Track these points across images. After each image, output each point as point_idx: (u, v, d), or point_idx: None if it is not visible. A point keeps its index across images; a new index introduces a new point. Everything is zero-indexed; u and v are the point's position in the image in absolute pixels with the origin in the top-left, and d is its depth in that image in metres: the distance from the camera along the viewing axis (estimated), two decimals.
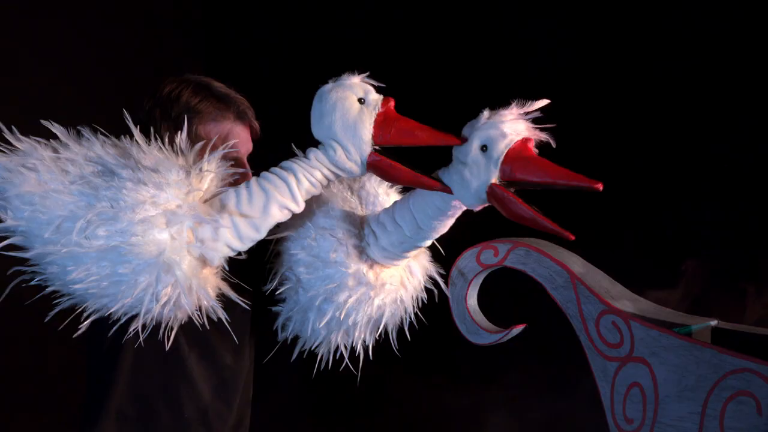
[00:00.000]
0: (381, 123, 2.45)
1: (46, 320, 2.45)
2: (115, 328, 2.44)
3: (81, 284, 2.40)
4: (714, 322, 2.61)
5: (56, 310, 2.44)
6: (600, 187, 2.33)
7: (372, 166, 2.48)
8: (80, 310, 2.44)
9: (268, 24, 4.39)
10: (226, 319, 2.51)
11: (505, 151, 2.42)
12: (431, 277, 2.72)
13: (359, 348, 2.68)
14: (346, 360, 2.69)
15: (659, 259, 3.81)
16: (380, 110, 2.46)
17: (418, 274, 2.70)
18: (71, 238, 2.35)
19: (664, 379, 2.46)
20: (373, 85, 2.50)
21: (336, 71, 2.45)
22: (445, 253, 2.81)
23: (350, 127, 2.45)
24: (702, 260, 3.72)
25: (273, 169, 2.53)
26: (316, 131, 2.49)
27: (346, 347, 2.69)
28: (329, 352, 2.70)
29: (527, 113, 2.47)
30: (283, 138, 2.63)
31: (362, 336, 2.67)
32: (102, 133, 2.47)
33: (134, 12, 4.43)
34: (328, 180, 2.53)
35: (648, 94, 3.90)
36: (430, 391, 4.25)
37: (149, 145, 2.46)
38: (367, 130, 2.45)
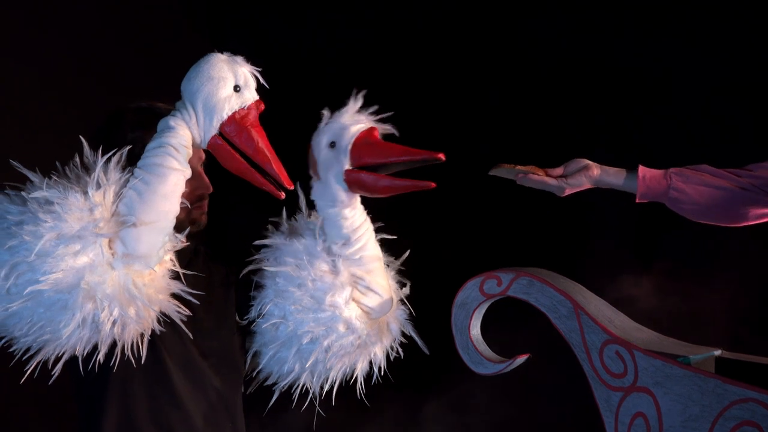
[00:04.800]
0: (237, 118, 2.51)
1: (21, 382, 2.44)
2: (94, 361, 2.45)
3: (29, 336, 2.42)
4: (718, 352, 2.61)
5: (28, 368, 2.44)
6: (441, 156, 2.46)
7: (212, 147, 2.53)
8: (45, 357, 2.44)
9: (270, 28, 4.41)
10: (183, 318, 2.51)
11: (352, 140, 2.55)
12: (405, 334, 2.73)
13: (325, 388, 2.69)
14: (313, 400, 2.69)
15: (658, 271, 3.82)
16: (245, 108, 2.51)
17: (394, 330, 2.72)
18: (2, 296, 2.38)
19: (668, 409, 2.45)
20: (258, 84, 2.54)
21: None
22: (446, 282, 2.81)
23: (211, 105, 2.50)
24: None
25: (147, 151, 2.50)
26: (184, 86, 2.53)
27: (310, 387, 2.70)
28: (290, 389, 2.71)
29: (365, 109, 2.59)
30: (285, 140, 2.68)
31: (332, 379, 2.68)
32: (11, 186, 2.47)
33: (135, 16, 4.39)
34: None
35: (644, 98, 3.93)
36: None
37: (41, 179, 2.44)
38: (223, 115, 2.50)
